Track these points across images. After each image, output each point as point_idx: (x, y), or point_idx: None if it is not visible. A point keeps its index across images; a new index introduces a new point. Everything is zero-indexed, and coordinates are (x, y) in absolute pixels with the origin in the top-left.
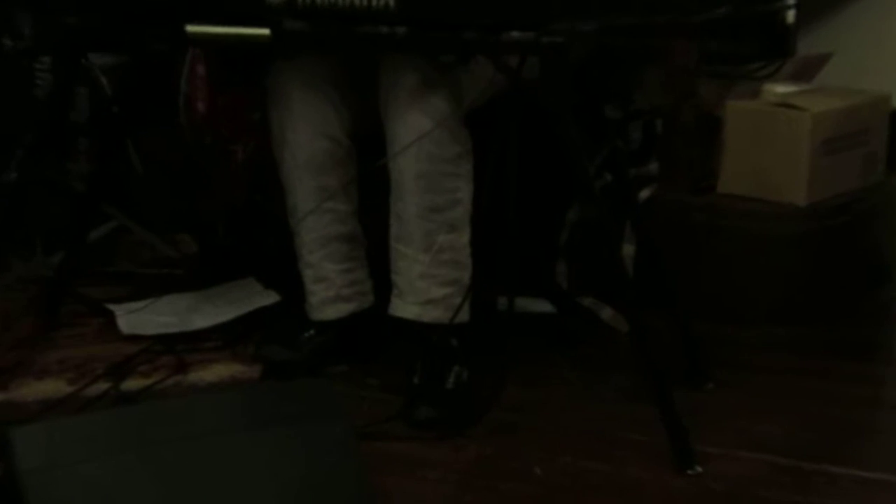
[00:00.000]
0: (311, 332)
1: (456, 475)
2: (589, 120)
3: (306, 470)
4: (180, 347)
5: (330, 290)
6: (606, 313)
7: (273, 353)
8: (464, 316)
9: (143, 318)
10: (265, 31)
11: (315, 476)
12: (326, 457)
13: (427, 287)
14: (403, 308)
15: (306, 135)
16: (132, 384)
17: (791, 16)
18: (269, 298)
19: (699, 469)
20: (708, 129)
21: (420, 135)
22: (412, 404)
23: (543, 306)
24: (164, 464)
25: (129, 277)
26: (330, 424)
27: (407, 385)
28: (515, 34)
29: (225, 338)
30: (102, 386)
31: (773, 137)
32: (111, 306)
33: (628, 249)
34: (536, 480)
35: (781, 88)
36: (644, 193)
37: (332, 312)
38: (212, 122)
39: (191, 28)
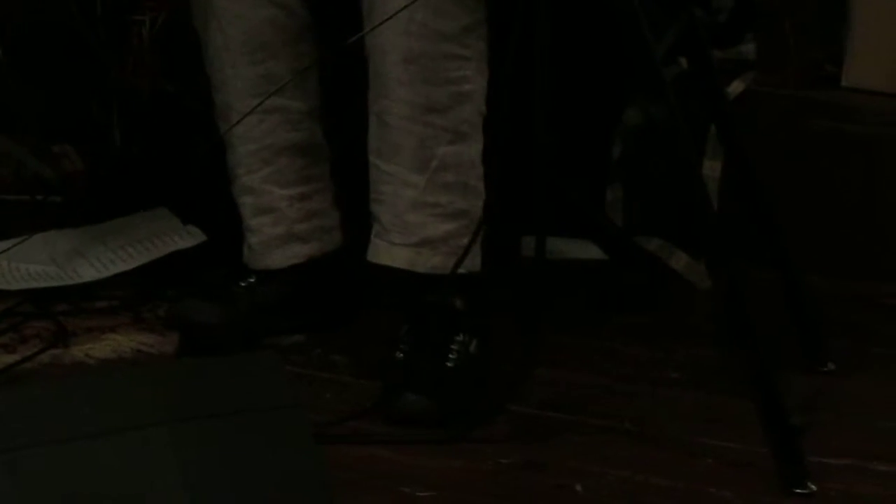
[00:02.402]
0: (252, 281)
1: (461, 496)
2: None
3: (241, 486)
4: (60, 309)
5: (278, 226)
6: (679, 261)
7: (194, 312)
8: (473, 264)
9: (4, 266)
10: None
11: (254, 495)
12: (271, 467)
13: (423, 221)
14: (388, 252)
15: None
16: None
17: None
18: (190, 238)
19: (813, 487)
20: None
21: None
22: (395, 389)
23: (588, 251)
24: (33, 475)
25: None
26: (276, 419)
27: (389, 362)
28: None
29: (125, 295)
30: None
31: None
32: None
33: (712, 168)
34: (579, 502)
35: None
36: (736, 86)
37: (280, 258)
38: None
39: None
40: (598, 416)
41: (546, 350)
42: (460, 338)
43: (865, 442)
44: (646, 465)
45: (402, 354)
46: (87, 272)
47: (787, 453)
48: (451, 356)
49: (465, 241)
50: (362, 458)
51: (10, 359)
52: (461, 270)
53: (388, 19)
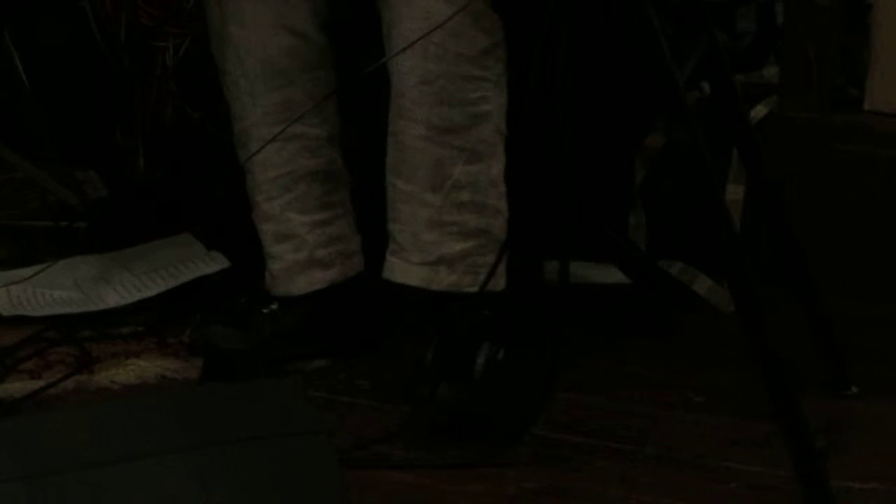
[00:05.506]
0: (274, 307)
1: None
2: (678, 1)
3: None
4: (84, 335)
5: (299, 253)
6: (703, 285)
7: (218, 338)
8: (496, 283)
9: (29, 292)
10: None
11: None
12: (294, 492)
13: (439, 240)
14: (405, 271)
15: (260, 28)
16: (14, 387)
17: None
18: (213, 264)
19: None
20: (853, 15)
21: (430, 22)
22: (422, 398)
23: (611, 275)
24: (58, 500)
25: (10, 233)
26: (301, 445)
27: (417, 372)
28: None
29: (149, 321)
30: None
31: None
32: None
33: (735, 192)
34: None
35: None
36: (759, 110)
37: (303, 284)
38: (128, 6)
39: None
40: (620, 440)
41: (569, 374)
42: (487, 346)
43: (890, 466)
44: (669, 489)
45: (430, 364)
46: (112, 298)
47: (811, 477)
48: (478, 362)
49: (483, 259)
50: (386, 483)
51: (35, 385)
52: (488, 289)
53: (406, 48)
